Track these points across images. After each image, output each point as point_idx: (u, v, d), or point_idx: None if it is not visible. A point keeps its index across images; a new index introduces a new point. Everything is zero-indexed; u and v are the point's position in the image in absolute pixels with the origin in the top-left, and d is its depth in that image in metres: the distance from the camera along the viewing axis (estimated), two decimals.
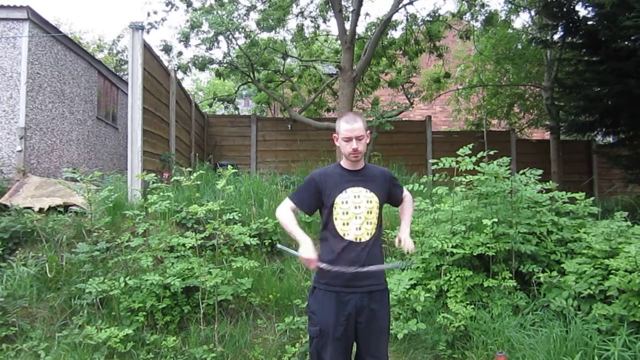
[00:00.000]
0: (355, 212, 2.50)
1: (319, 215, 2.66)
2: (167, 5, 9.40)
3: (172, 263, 4.19)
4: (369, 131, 2.62)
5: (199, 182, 4.43)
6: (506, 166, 4.50)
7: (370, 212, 2.51)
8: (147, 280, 3.93)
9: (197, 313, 4.11)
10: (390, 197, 2.69)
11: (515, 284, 3.98)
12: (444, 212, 4.41)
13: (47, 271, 4.42)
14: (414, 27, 10.81)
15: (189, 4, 9.55)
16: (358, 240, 2.48)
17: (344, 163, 2.61)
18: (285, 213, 2.58)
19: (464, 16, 10.63)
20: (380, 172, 2.66)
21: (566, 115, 9.63)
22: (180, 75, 9.96)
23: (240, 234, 4.32)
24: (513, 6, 10.67)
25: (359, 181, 2.55)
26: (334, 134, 2.61)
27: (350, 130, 2.49)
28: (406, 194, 2.79)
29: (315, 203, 2.59)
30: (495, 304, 3.91)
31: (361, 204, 2.51)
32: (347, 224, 2.49)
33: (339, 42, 10.28)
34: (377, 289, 2.51)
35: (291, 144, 11.32)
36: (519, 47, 11.31)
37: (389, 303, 2.63)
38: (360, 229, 2.49)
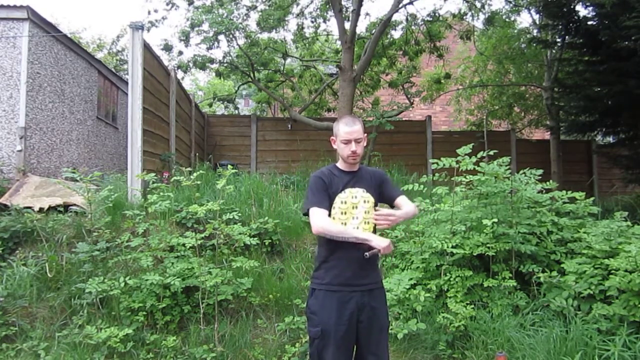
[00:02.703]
0: (353, 213, 2.52)
1: None
2: (167, 4, 9.40)
3: (172, 263, 4.19)
4: (366, 134, 2.63)
5: (199, 182, 4.43)
6: (506, 166, 4.50)
7: (368, 212, 2.53)
8: (147, 280, 3.93)
9: (197, 313, 4.11)
10: (382, 196, 2.65)
11: (515, 284, 3.98)
12: (444, 212, 4.40)
13: (47, 271, 4.42)
14: (414, 27, 10.80)
15: (190, 2, 9.55)
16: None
17: (340, 165, 2.63)
18: (328, 221, 2.46)
19: (464, 17, 10.62)
20: (373, 173, 2.67)
21: (566, 115, 9.63)
22: (180, 74, 9.96)
23: (240, 233, 4.32)
24: (514, 6, 10.67)
25: (357, 181, 2.57)
26: (332, 137, 2.63)
27: (349, 132, 2.50)
28: (405, 200, 2.62)
29: (330, 202, 2.53)
30: (495, 304, 3.91)
31: (359, 204, 2.53)
32: (345, 224, 2.50)
33: (339, 42, 10.27)
34: (376, 287, 2.55)
35: (291, 144, 11.31)
36: (522, 46, 11.29)
37: (387, 301, 2.66)
38: (357, 228, 2.50)
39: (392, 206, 2.65)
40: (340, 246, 2.47)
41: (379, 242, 2.37)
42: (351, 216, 2.51)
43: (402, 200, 2.62)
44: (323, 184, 2.52)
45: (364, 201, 2.54)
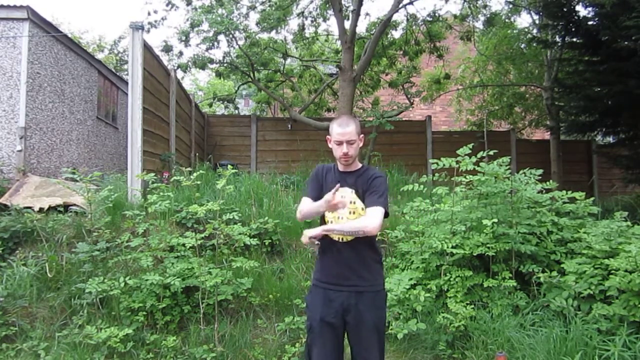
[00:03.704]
0: (338, 213, 2.51)
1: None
2: (167, 5, 9.40)
3: (172, 263, 4.19)
4: (362, 135, 2.60)
5: (199, 182, 4.43)
6: (506, 166, 4.50)
7: (353, 213, 2.50)
8: (147, 280, 3.93)
9: (197, 313, 4.11)
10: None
11: (515, 284, 3.98)
12: (444, 212, 4.40)
13: (47, 271, 4.42)
14: (414, 27, 10.80)
15: (189, 2, 9.55)
16: (341, 240, 2.50)
17: (338, 164, 2.64)
18: (304, 204, 2.58)
19: (466, 19, 10.62)
20: (371, 174, 2.57)
21: (566, 116, 9.63)
22: (180, 74, 9.96)
23: (240, 234, 4.32)
24: (513, 7, 10.67)
25: (348, 182, 2.55)
26: (328, 136, 2.62)
27: (341, 134, 2.49)
28: (373, 214, 2.42)
29: (320, 195, 2.54)
30: (495, 304, 3.91)
31: (345, 205, 2.51)
32: (331, 222, 2.53)
33: (339, 42, 10.27)
34: (368, 290, 2.49)
35: (291, 144, 11.32)
36: (522, 46, 11.29)
37: (385, 305, 2.61)
38: None
39: None
40: (331, 244, 2.50)
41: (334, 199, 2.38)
42: (337, 216, 2.52)
43: (367, 210, 2.46)
44: (315, 177, 2.63)
45: (351, 202, 2.52)
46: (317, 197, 2.53)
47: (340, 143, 2.50)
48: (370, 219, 2.40)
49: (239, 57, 10.72)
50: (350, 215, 2.50)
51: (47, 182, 6.21)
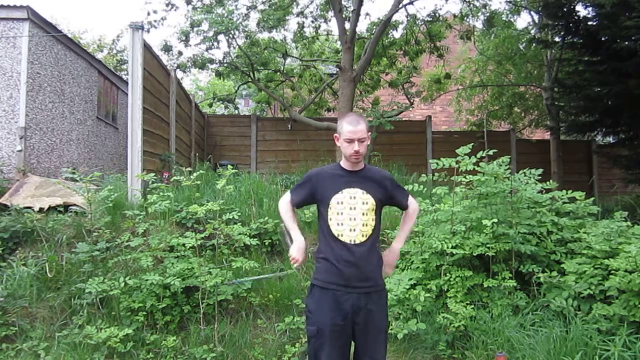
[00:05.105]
0: (350, 214, 2.49)
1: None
2: (167, 5, 9.40)
3: (172, 263, 4.19)
4: (369, 133, 2.62)
5: (199, 182, 4.44)
6: (506, 166, 4.50)
7: (366, 214, 2.50)
8: (147, 280, 3.93)
9: (197, 313, 4.11)
10: (392, 200, 2.69)
11: (515, 284, 3.98)
12: (444, 212, 4.40)
13: (47, 271, 4.42)
14: (414, 27, 10.80)
15: (189, 2, 9.55)
16: (352, 242, 2.47)
17: (343, 163, 2.61)
18: (286, 206, 2.72)
19: (466, 18, 10.61)
20: (380, 175, 2.64)
21: (566, 115, 9.64)
22: (180, 74, 9.96)
23: (240, 234, 4.32)
24: (514, 6, 10.67)
25: (356, 182, 2.54)
26: (335, 134, 2.62)
27: (353, 132, 2.49)
28: (412, 202, 2.78)
29: (306, 200, 2.70)
30: (495, 304, 3.91)
31: (356, 205, 2.50)
32: (342, 224, 2.49)
33: (339, 42, 10.27)
34: (375, 289, 2.51)
35: (291, 144, 11.32)
36: (521, 47, 11.30)
37: (387, 304, 2.64)
38: (354, 230, 2.48)
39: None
40: (341, 246, 2.47)
41: (290, 252, 2.58)
42: (348, 217, 2.49)
43: (408, 208, 2.78)
44: (309, 181, 2.66)
45: (363, 202, 2.51)
46: (301, 202, 2.71)
47: (351, 141, 2.49)
48: (411, 217, 2.82)
49: (239, 57, 10.72)
50: (364, 216, 2.49)
51: (47, 182, 6.21)
